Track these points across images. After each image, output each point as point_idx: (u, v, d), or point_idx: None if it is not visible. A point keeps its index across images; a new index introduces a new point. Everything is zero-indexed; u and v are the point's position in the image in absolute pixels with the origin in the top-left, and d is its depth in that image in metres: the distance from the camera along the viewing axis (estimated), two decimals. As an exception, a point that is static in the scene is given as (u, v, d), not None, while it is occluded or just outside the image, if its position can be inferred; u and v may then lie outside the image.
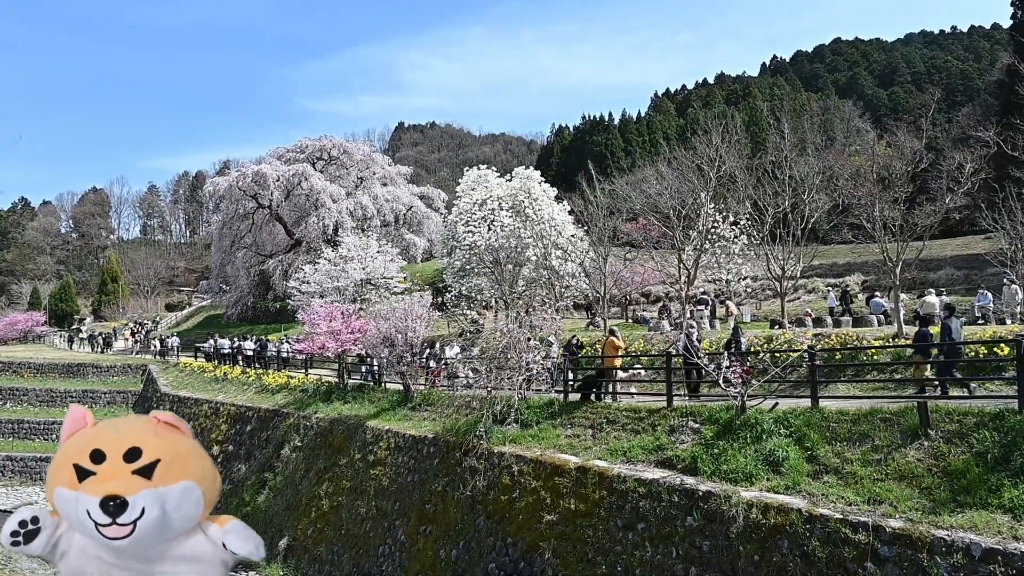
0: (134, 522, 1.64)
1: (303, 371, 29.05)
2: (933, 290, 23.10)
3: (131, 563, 1.75)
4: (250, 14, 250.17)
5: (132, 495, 1.64)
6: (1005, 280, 21.66)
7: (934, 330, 14.37)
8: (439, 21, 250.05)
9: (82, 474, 1.67)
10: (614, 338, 16.84)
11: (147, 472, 1.67)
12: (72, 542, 1.76)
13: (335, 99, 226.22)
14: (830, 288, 31.77)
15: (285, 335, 36.02)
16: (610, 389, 16.36)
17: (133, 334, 56.22)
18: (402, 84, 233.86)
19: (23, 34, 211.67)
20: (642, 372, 17.83)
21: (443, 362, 22.05)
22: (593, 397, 16.36)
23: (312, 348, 26.81)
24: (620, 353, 16.80)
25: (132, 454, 1.68)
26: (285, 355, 31.14)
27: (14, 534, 1.72)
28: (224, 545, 1.81)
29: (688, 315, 23.21)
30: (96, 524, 1.64)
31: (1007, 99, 44.76)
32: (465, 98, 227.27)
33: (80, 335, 56.17)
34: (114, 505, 1.63)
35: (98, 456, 1.68)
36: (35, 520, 1.74)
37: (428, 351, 22.72)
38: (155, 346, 43.80)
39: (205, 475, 1.80)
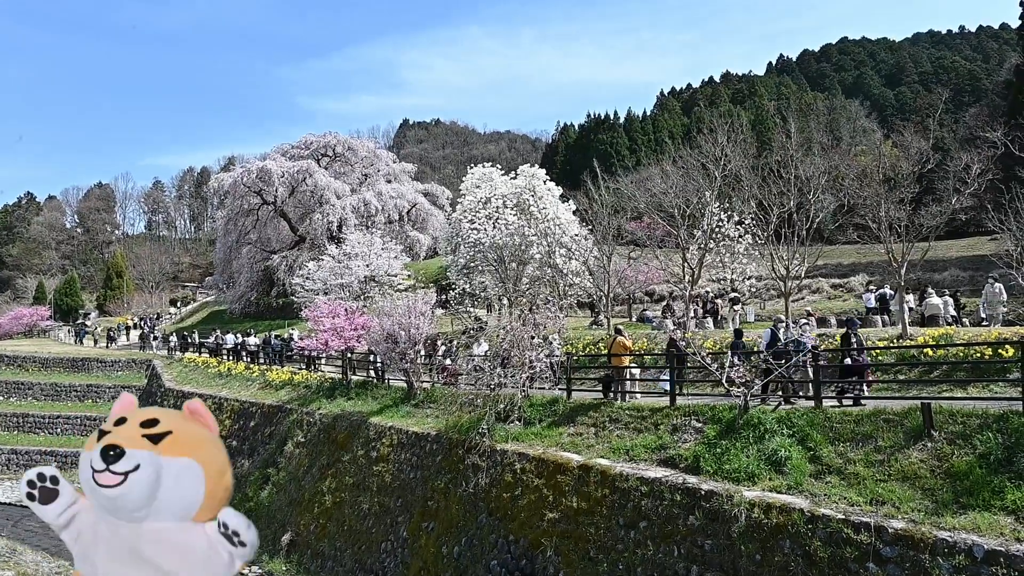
0: (126, 473, 1.68)
1: (306, 367, 29.13)
2: (933, 291, 23.00)
3: (132, 552, 1.76)
4: (250, 14, 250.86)
5: (131, 448, 1.70)
6: (989, 278, 21.46)
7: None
8: (437, 20, 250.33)
9: (101, 436, 1.76)
10: (622, 338, 16.79)
11: (156, 439, 1.74)
12: (87, 523, 1.80)
13: (336, 98, 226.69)
14: (870, 288, 30.88)
15: (291, 331, 36.10)
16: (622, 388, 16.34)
17: (135, 327, 56.59)
18: (402, 83, 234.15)
19: (29, 34, 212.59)
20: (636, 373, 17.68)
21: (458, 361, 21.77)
22: (603, 396, 16.36)
23: (316, 344, 26.85)
24: (628, 352, 16.77)
25: (149, 422, 1.78)
26: (295, 347, 31.02)
27: (31, 484, 1.76)
28: (224, 525, 1.82)
29: (715, 311, 23.12)
30: (93, 471, 1.69)
31: (1015, 99, 44.58)
32: (466, 97, 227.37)
33: (87, 329, 56.34)
34: (113, 454, 1.69)
35: (120, 421, 1.79)
36: (55, 480, 1.78)
37: (444, 349, 22.66)
38: (173, 341, 43.46)
39: (213, 462, 1.84)
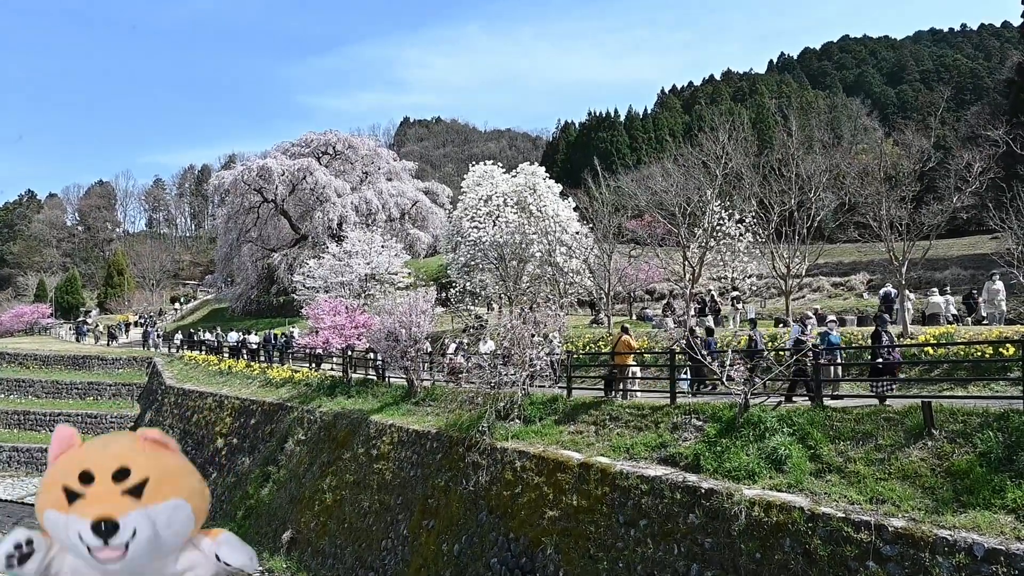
0: (126, 543, 1.63)
1: (311, 365, 29.16)
2: (936, 289, 22.98)
3: None
4: (250, 12, 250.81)
5: (123, 516, 1.64)
6: (992, 276, 21.32)
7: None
8: (436, 19, 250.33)
9: (71, 496, 1.66)
10: (628, 336, 16.76)
11: (137, 492, 1.66)
12: (64, 563, 1.75)
13: (335, 96, 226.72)
14: (886, 286, 30.43)
15: (292, 329, 36.13)
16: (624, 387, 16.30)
17: (136, 325, 56.83)
18: (402, 81, 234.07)
19: (30, 31, 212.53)
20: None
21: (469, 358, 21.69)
22: (604, 394, 16.35)
23: (317, 343, 26.88)
24: (634, 351, 16.75)
25: (121, 474, 1.67)
26: (296, 345, 31.19)
27: (9, 556, 1.71)
28: (217, 557, 1.81)
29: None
30: (89, 547, 1.63)
31: (1016, 98, 44.47)
32: (465, 94, 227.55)
33: (87, 327, 56.30)
34: (106, 528, 1.62)
35: (87, 477, 1.67)
36: (29, 542, 1.72)
37: (454, 346, 22.63)
38: (178, 339, 43.36)
39: (194, 491, 1.78)
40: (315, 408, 23.06)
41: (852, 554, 9.09)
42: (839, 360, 14.56)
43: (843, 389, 14.08)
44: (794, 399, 13.32)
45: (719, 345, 17.16)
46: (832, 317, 18.78)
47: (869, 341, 14.48)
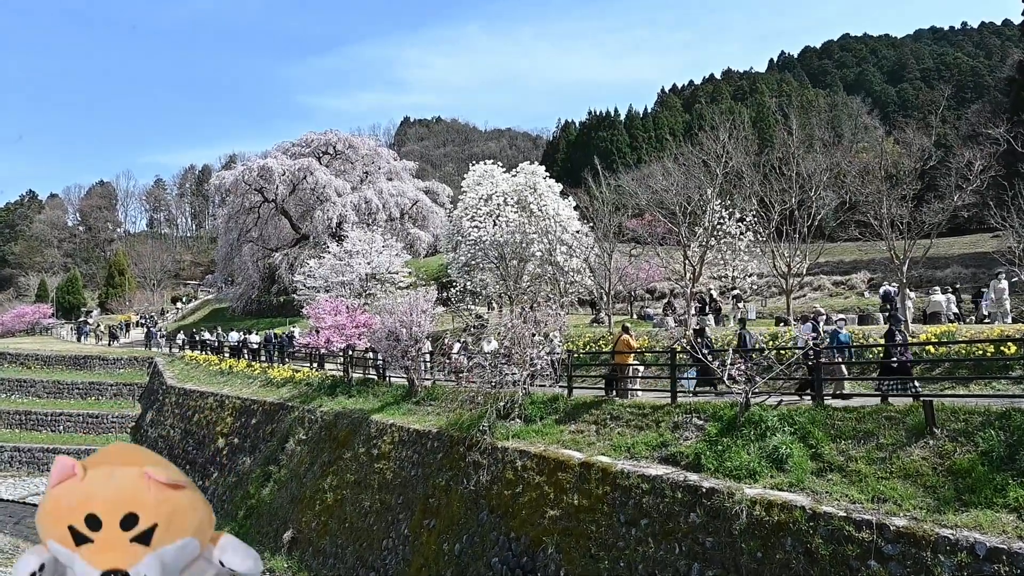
0: None
1: (313, 365, 29.16)
2: (939, 288, 22.96)
3: None
4: (250, 12, 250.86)
5: (133, 566, 1.63)
6: (998, 274, 21.24)
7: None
8: (436, 19, 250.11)
9: (78, 538, 1.63)
10: (628, 336, 16.73)
11: (145, 538, 1.64)
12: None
13: (335, 96, 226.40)
14: (881, 286, 30.41)
15: (292, 329, 36.15)
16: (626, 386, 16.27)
17: (137, 324, 56.95)
18: (402, 81, 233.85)
19: (30, 31, 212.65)
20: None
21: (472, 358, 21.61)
22: (605, 393, 16.34)
23: (317, 342, 26.89)
24: (634, 351, 16.73)
25: (129, 521, 1.64)
26: (297, 344, 31.24)
27: None
28: (222, 563, 1.79)
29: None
30: None
31: (1017, 96, 44.43)
32: (465, 94, 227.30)
33: (88, 327, 56.28)
34: None
35: (94, 522, 1.63)
36: (42, 567, 1.71)
37: (458, 346, 22.60)
38: (180, 339, 43.30)
39: (202, 524, 1.77)
40: (316, 408, 23.06)
41: (854, 553, 9.08)
42: (849, 358, 14.53)
43: (846, 388, 14.06)
44: (803, 397, 13.29)
45: (716, 345, 17.16)
46: (841, 316, 18.78)
47: (882, 340, 14.32)
